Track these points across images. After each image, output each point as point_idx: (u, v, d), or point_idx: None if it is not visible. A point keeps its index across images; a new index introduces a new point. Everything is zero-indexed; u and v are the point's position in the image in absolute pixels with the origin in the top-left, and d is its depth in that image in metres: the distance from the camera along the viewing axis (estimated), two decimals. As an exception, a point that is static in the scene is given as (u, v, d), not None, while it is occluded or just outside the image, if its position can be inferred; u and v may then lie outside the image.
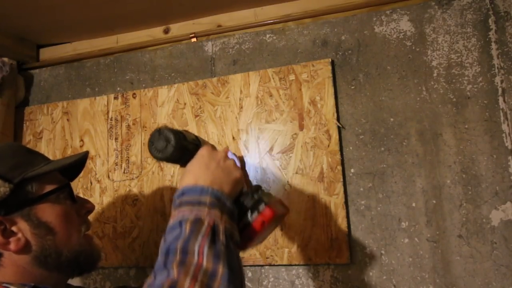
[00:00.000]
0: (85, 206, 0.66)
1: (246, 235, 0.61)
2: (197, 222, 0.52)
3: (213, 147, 0.69)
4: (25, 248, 0.57)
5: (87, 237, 0.65)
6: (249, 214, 0.61)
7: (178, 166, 0.98)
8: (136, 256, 0.99)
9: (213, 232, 0.51)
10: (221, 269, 0.47)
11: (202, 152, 0.64)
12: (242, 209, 0.62)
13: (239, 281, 0.50)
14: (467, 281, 0.80)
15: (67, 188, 0.63)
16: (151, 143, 0.62)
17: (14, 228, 0.56)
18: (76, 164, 0.67)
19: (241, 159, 0.90)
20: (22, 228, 0.57)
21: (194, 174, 0.60)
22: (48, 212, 0.59)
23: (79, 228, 0.64)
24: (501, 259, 0.79)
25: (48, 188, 0.60)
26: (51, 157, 0.69)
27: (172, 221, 0.55)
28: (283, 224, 0.90)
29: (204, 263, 0.47)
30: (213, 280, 0.46)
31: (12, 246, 0.56)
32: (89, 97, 1.11)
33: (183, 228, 0.51)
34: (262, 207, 0.61)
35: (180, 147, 0.62)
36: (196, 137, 0.71)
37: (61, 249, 0.59)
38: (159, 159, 0.62)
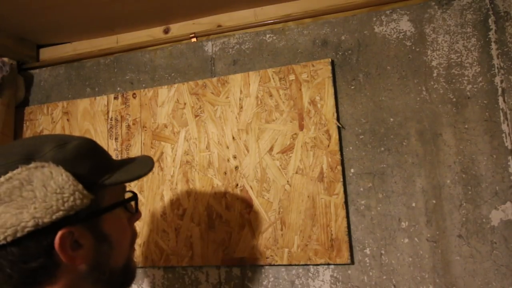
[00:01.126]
0: (138, 216, 0.62)
1: None
2: None
3: None
4: (85, 262, 0.51)
5: (133, 249, 0.62)
6: None
7: (178, 166, 0.99)
8: (136, 256, 0.99)
9: None
10: None
11: None
12: None
13: None
14: (467, 281, 0.80)
15: (135, 200, 0.60)
16: None
17: (80, 240, 0.50)
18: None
19: None
20: (87, 239, 0.51)
21: None
22: (111, 224, 0.54)
23: (133, 242, 0.60)
24: (501, 259, 0.79)
25: (117, 197, 0.56)
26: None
27: None
28: (283, 224, 0.90)
29: None
30: None
31: (77, 260, 0.50)
32: (89, 97, 1.11)
33: None
34: None
35: None
36: None
37: (114, 265, 0.55)
38: None
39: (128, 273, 0.59)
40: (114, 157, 1.05)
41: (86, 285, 0.52)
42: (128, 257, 0.58)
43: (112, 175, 0.54)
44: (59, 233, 0.47)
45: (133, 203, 0.61)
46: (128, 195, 0.60)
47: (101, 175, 0.53)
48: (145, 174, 0.59)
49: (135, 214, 0.61)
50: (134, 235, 0.61)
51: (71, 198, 0.47)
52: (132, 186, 1.02)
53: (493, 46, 0.85)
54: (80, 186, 0.48)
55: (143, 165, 0.61)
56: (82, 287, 0.52)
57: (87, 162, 0.52)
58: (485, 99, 0.84)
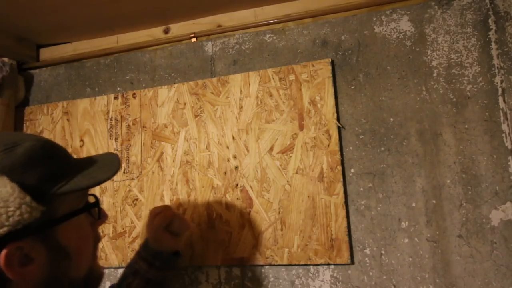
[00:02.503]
0: (102, 220, 0.58)
1: None
2: None
3: None
4: (38, 276, 0.47)
5: (96, 254, 0.58)
6: None
7: (178, 166, 0.99)
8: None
9: None
10: None
11: None
12: None
13: None
14: (467, 281, 0.80)
15: (97, 207, 0.55)
16: None
17: (32, 254, 0.46)
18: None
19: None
20: (39, 253, 0.46)
21: None
22: (70, 234, 0.49)
23: (95, 248, 0.56)
24: (501, 259, 0.79)
25: (76, 204, 0.51)
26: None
27: None
28: (283, 224, 0.90)
29: None
30: None
31: (28, 276, 0.46)
32: (89, 97, 1.11)
33: None
34: None
35: None
36: None
37: (75, 276, 0.51)
38: None
39: (91, 282, 0.55)
40: (114, 157, 1.06)
41: None
42: (90, 265, 0.54)
43: (68, 182, 0.48)
44: (4, 251, 0.43)
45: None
46: (91, 199, 0.55)
47: (55, 182, 0.47)
48: (108, 178, 0.53)
49: (99, 219, 0.56)
50: (97, 240, 0.57)
51: (17, 212, 0.42)
52: (132, 186, 1.03)
53: (493, 46, 0.85)
54: (27, 198, 0.43)
55: (106, 168, 0.55)
56: None
57: (39, 168, 0.46)
58: (485, 99, 0.84)
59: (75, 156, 0.59)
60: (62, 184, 0.48)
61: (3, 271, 0.43)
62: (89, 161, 0.56)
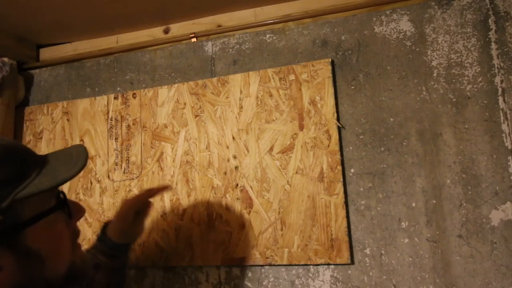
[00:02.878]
0: (77, 216, 0.55)
1: None
2: None
3: None
4: (8, 283, 0.45)
5: (77, 247, 0.56)
6: None
7: (178, 166, 0.99)
8: (136, 256, 0.99)
9: None
10: None
11: None
12: None
13: None
14: (467, 281, 0.80)
15: (64, 207, 0.52)
16: None
17: (0, 262, 0.43)
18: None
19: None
20: (6, 260, 0.44)
21: None
22: (38, 238, 0.46)
23: (72, 246, 0.53)
24: (501, 259, 0.79)
25: (41, 207, 0.48)
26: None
27: None
28: (283, 224, 0.90)
29: None
30: None
31: None
32: (89, 97, 1.11)
33: None
34: None
35: None
36: None
37: (52, 276, 0.49)
38: None
39: (73, 277, 0.52)
40: (114, 157, 1.06)
41: None
42: (70, 260, 0.51)
43: (28, 185, 0.45)
44: None
45: None
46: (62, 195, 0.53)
47: (13, 186, 0.44)
48: (73, 176, 0.49)
49: (73, 216, 0.53)
50: (75, 236, 0.54)
51: None
52: (132, 186, 1.03)
53: (493, 46, 0.85)
54: None
55: (72, 163, 0.51)
56: None
57: None
58: (485, 99, 0.84)
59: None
60: (20, 189, 0.44)
61: None
62: (55, 157, 0.52)
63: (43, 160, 0.51)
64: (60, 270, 0.50)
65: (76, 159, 0.52)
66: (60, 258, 0.50)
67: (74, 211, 0.54)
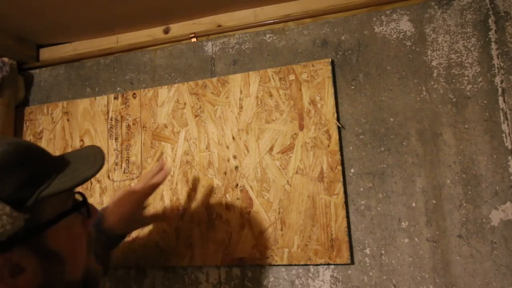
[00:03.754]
0: (94, 218, 0.55)
1: None
2: None
3: None
4: (32, 285, 0.45)
5: (91, 251, 0.56)
6: None
7: (178, 166, 0.99)
8: (136, 256, 0.99)
9: None
10: None
11: None
12: None
13: None
14: (467, 281, 0.80)
15: (84, 207, 0.52)
16: None
17: (22, 263, 0.43)
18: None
19: None
20: (30, 261, 0.44)
21: None
22: (59, 239, 0.47)
23: (90, 247, 0.54)
24: (501, 259, 0.79)
25: (60, 207, 0.48)
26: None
27: None
28: (283, 224, 0.90)
29: None
30: None
31: (20, 285, 0.43)
32: (89, 97, 1.11)
33: None
34: None
35: None
36: None
37: (71, 280, 0.49)
38: None
39: (89, 282, 0.53)
40: (113, 157, 1.06)
41: None
42: (87, 265, 0.52)
43: (50, 185, 0.45)
44: None
45: None
46: (79, 197, 0.53)
47: (35, 187, 0.44)
48: (93, 175, 0.50)
49: (90, 217, 0.54)
50: (90, 238, 0.54)
51: None
52: (132, 185, 1.02)
53: (493, 46, 0.85)
54: (7, 209, 0.40)
55: (90, 163, 0.52)
56: None
57: (15, 175, 0.43)
58: (485, 99, 0.84)
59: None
60: (43, 188, 0.45)
61: None
62: (72, 157, 0.53)
63: (61, 160, 0.51)
64: (78, 274, 0.50)
65: (93, 159, 0.53)
66: (78, 261, 0.50)
67: (91, 212, 0.54)
